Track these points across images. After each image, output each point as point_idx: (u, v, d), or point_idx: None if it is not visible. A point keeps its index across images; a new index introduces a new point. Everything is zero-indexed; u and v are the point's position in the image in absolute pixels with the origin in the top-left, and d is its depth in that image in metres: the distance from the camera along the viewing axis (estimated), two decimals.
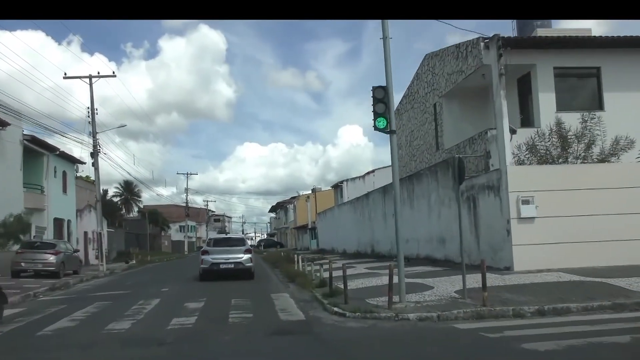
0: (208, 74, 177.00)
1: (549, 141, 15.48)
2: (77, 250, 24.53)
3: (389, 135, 10.45)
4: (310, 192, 63.05)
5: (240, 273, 18.73)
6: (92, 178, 50.50)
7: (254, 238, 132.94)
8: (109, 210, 49.80)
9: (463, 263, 10.22)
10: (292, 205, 71.72)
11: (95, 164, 27.93)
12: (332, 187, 52.26)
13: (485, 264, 10.02)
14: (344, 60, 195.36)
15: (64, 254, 21.86)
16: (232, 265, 18.76)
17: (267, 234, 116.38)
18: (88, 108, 28.00)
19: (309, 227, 56.59)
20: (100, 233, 27.86)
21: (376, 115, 10.17)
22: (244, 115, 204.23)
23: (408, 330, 8.21)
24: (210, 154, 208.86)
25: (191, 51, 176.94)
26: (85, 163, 30.00)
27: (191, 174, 68.33)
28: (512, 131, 16.35)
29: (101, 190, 54.31)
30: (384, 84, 10.28)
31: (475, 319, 8.77)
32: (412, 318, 8.90)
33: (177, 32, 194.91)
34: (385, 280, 14.10)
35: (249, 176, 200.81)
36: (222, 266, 18.75)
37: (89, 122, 27.92)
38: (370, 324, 8.83)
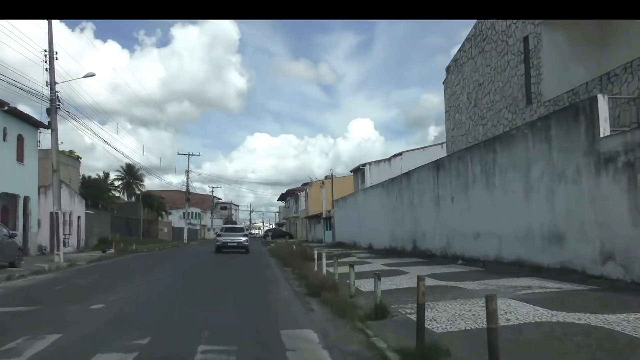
0: (220, 63, 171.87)
1: None
2: (13, 235, 17.91)
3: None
4: (324, 178, 56.29)
5: (240, 248, 29.00)
6: (76, 153, 44.27)
7: (261, 228, 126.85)
8: (95, 191, 43.40)
9: None
10: (304, 192, 65.01)
11: (52, 123, 21.28)
12: (351, 171, 45.36)
13: None
14: (356, 54, 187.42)
15: None
16: (235, 244, 29.20)
17: (276, 224, 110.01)
18: (45, 51, 21.37)
19: (323, 216, 49.87)
20: (57, 213, 21.21)
21: None
22: (255, 105, 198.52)
23: None
24: (221, 144, 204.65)
25: (204, 40, 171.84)
26: (47, 126, 23.27)
27: (193, 154, 61.86)
28: None
29: (82, 174, 47.65)
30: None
31: None
32: None
33: (190, 20, 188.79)
34: (511, 312, 7.27)
35: (258, 166, 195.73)
36: (229, 244, 29.25)
37: (46, 70, 21.29)
38: None
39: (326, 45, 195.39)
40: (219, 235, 31.13)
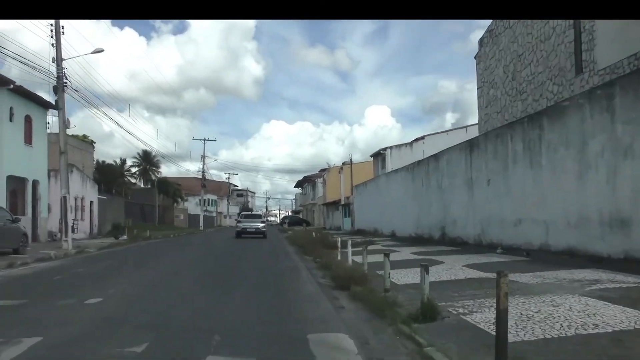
0: (236, 50, 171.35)
1: None
2: (17, 220, 16.89)
3: None
4: (342, 164, 54.77)
5: (258, 233, 31.30)
6: (90, 138, 43.42)
7: (277, 215, 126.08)
8: (109, 177, 42.58)
9: None
10: (322, 179, 63.66)
11: (59, 102, 20.17)
12: (371, 156, 43.83)
13: None
14: (372, 40, 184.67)
15: None
16: (254, 229, 31.69)
17: (292, 211, 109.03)
18: (51, 25, 20.19)
19: (342, 203, 48.53)
20: (64, 197, 20.20)
21: None
22: (271, 93, 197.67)
23: None
24: (237, 131, 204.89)
25: (220, 27, 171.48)
26: (55, 107, 22.18)
27: (208, 140, 60.88)
28: None
29: (94, 156, 46.88)
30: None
31: None
32: None
33: (193, 19, 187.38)
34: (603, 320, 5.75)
35: (274, 154, 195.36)
36: (248, 229, 31.69)
37: (52, 45, 20.13)
38: None
39: (342, 32, 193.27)
40: (239, 222, 33.80)
